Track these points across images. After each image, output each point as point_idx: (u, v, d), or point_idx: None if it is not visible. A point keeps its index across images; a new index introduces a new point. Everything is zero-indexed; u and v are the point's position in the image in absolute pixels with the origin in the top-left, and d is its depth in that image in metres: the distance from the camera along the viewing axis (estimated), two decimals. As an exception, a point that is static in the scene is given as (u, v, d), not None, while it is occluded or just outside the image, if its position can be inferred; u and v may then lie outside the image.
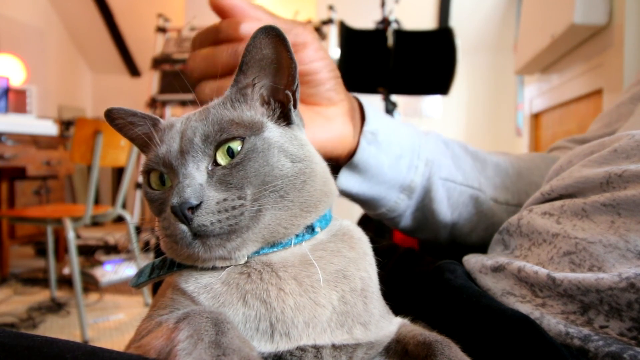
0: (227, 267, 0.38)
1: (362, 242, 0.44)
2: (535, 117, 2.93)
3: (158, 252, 0.86)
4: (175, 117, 0.43)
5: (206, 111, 0.40)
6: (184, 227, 0.35)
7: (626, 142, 0.45)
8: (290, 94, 0.41)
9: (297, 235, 0.40)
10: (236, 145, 0.38)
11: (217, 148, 0.37)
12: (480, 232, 0.67)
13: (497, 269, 0.50)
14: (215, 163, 0.37)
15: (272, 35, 0.38)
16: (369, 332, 0.39)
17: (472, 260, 0.55)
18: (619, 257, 0.40)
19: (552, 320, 0.42)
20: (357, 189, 0.58)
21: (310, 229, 0.41)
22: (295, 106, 0.42)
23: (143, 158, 0.44)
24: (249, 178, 0.37)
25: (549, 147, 0.78)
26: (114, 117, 0.43)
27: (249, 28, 0.47)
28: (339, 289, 0.38)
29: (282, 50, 0.39)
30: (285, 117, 0.42)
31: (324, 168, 0.42)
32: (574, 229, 0.45)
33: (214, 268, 0.38)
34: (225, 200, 0.36)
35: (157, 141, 0.39)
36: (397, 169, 0.60)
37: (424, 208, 0.63)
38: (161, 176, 0.39)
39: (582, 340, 0.39)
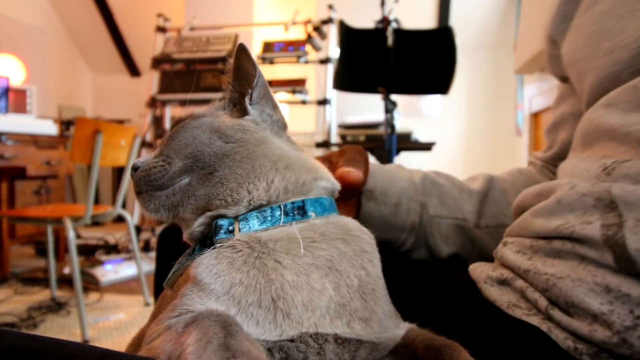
0: (222, 245, 0.41)
1: (361, 238, 0.44)
2: (535, 116, 2.93)
3: (159, 252, 0.87)
4: None
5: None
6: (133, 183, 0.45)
7: (567, 192, 0.46)
8: (249, 92, 0.48)
9: (286, 215, 0.41)
10: None
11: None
12: (475, 258, 0.70)
13: (503, 282, 0.51)
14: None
15: (239, 50, 0.47)
16: (370, 329, 0.39)
17: (478, 270, 0.56)
18: (587, 290, 0.40)
19: (560, 335, 0.43)
20: None
21: (302, 211, 0.42)
22: (250, 101, 0.49)
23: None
24: (176, 149, 0.44)
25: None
26: None
27: None
28: (331, 279, 0.39)
29: (244, 60, 0.47)
30: (242, 111, 0.49)
31: (274, 153, 0.45)
32: (544, 264, 0.46)
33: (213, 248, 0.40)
34: (153, 162, 0.44)
35: None
36: (397, 215, 0.67)
37: (425, 243, 0.69)
38: None
39: (591, 357, 0.40)
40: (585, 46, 0.54)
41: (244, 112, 0.48)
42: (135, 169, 0.45)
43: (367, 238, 0.44)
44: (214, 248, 0.40)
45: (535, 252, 0.48)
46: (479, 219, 0.70)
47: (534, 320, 0.45)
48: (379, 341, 0.39)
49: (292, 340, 0.36)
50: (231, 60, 0.49)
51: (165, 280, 0.45)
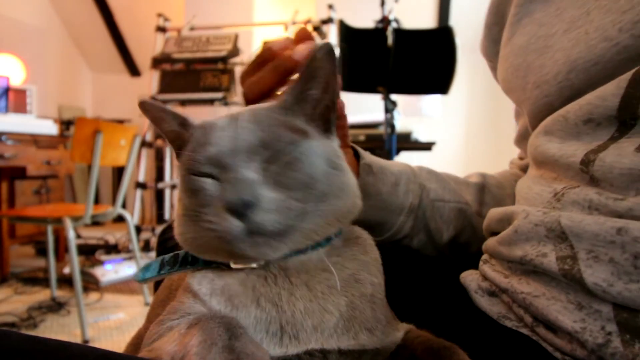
0: (244, 267, 0.38)
1: (374, 247, 0.45)
2: (535, 116, 2.92)
3: (159, 252, 0.87)
4: (213, 119, 0.42)
5: (258, 113, 0.40)
6: (237, 223, 0.34)
7: (522, 222, 0.46)
8: (333, 106, 0.43)
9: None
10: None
11: (271, 151, 0.38)
12: (476, 246, 0.71)
13: (492, 294, 0.51)
14: (267, 162, 0.37)
15: (330, 52, 0.40)
16: (375, 338, 0.39)
17: (469, 279, 0.56)
18: (561, 308, 0.41)
19: (549, 347, 0.43)
20: (361, 214, 0.63)
21: (327, 236, 0.41)
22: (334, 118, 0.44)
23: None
24: (300, 179, 0.37)
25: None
26: (146, 109, 0.43)
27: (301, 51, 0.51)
28: (348, 294, 0.39)
29: (333, 67, 0.41)
30: (326, 129, 0.43)
31: (355, 181, 0.43)
32: (520, 283, 0.46)
33: (230, 268, 0.38)
34: (281, 200, 0.36)
35: (200, 141, 0.39)
36: (395, 195, 0.65)
37: (425, 228, 0.68)
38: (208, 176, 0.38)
39: None
40: (515, 78, 0.55)
41: (327, 132, 0.43)
42: (248, 205, 0.34)
43: (375, 246, 0.45)
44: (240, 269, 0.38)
45: (513, 271, 0.49)
46: (481, 207, 0.70)
47: (524, 331, 0.46)
48: (382, 347, 0.40)
49: (296, 355, 0.36)
50: (319, 64, 0.41)
51: (160, 277, 0.43)
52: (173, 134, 0.43)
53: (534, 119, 0.52)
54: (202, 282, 0.38)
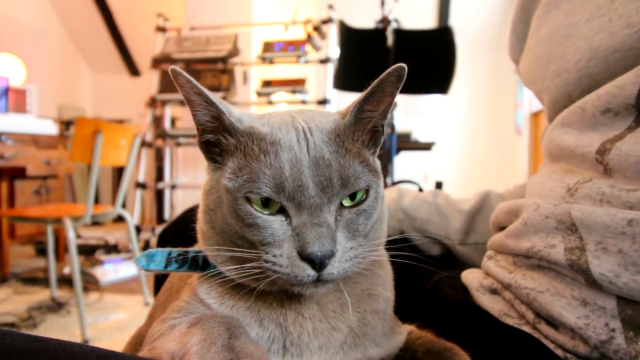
0: (253, 287, 0.37)
1: (388, 262, 0.45)
2: (535, 115, 2.93)
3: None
4: (274, 125, 0.38)
5: (325, 128, 0.38)
6: (312, 272, 0.34)
7: (532, 214, 0.47)
8: (382, 129, 0.41)
9: None
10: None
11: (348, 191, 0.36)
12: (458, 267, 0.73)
13: (494, 291, 0.52)
14: (343, 206, 0.36)
15: (400, 77, 0.38)
16: (382, 350, 0.40)
17: (470, 277, 0.57)
18: (565, 305, 0.41)
19: (550, 345, 0.43)
20: None
21: None
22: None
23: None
24: (368, 226, 0.37)
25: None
26: (179, 84, 0.38)
27: None
28: (361, 310, 0.39)
29: (397, 91, 0.39)
30: (373, 152, 0.42)
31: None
32: (524, 278, 0.47)
33: (240, 285, 0.38)
34: (351, 248, 0.35)
35: (263, 161, 0.35)
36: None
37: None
38: (265, 198, 0.35)
39: None
40: (536, 68, 0.55)
41: (373, 155, 0.42)
42: (329, 257, 0.34)
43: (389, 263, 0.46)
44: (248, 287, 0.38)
45: (518, 266, 0.49)
46: (466, 235, 0.72)
47: (525, 329, 0.46)
48: (386, 355, 0.40)
49: None
50: (389, 87, 0.39)
51: (166, 272, 0.42)
52: (202, 124, 0.39)
53: (552, 110, 0.53)
54: (210, 293, 0.39)
